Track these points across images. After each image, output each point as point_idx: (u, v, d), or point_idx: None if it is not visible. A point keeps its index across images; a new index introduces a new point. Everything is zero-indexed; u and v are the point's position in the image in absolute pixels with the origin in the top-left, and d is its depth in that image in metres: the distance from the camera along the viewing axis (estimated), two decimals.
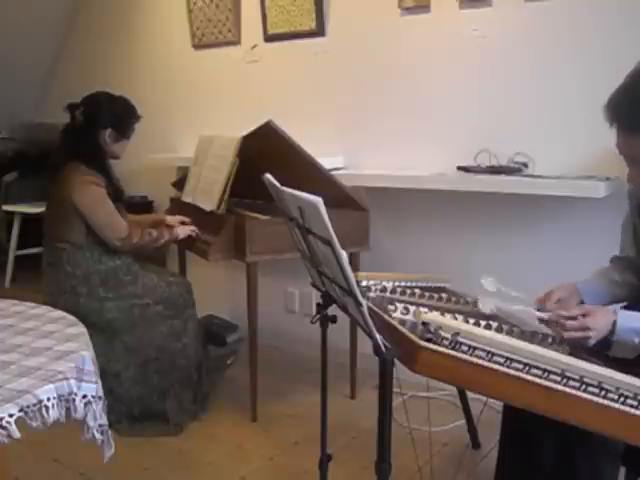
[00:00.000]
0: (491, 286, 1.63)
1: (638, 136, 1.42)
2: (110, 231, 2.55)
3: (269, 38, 3.40)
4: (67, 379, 1.29)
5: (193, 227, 2.80)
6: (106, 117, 2.60)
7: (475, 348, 1.28)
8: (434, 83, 2.87)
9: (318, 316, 1.65)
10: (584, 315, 1.47)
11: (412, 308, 1.50)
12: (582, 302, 1.69)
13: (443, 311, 1.52)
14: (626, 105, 1.42)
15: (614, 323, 1.46)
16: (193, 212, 2.87)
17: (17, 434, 1.15)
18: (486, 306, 1.64)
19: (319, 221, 1.21)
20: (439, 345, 1.27)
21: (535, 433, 1.53)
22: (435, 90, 2.87)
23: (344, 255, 1.22)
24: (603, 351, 1.53)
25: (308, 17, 3.20)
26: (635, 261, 1.74)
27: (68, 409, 1.30)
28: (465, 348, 1.28)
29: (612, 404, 1.22)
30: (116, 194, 2.63)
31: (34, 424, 1.20)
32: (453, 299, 1.77)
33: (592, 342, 1.47)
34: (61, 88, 4.67)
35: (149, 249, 2.72)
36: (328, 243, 1.23)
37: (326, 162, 2.77)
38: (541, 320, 1.56)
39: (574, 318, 1.47)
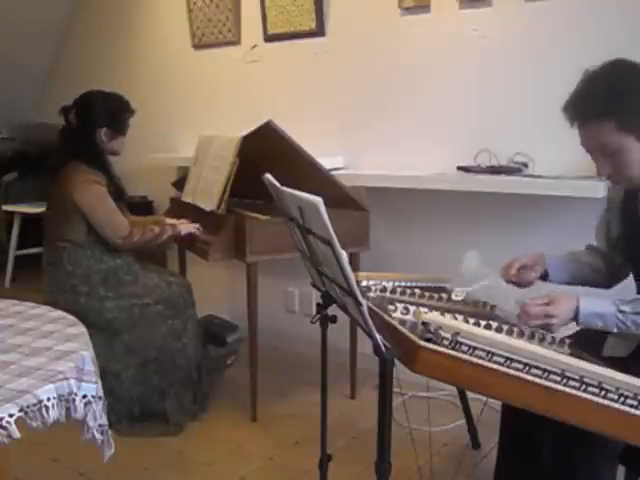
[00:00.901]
0: (473, 259, 1.70)
1: (595, 123, 1.50)
2: (111, 230, 2.55)
3: (269, 38, 3.40)
4: (67, 379, 1.29)
5: (196, 225, 2.79)
6: (100, 116, 2.59)
7: (475, 348, 1.28)
8: (434, 83, 2.87)
9: (318, 316, 1.65)
10: (547, 303, 1.54)
11: (412, 308, 1.50)
12: (546, 272, 1.78)
13: (443, 311, 1.52)
14: (580, 101, 1.52)
15: (577, 309, 1.53)
16: (193, 212, 2.87)
17: (17, 434, 1.15)
18: (459, 295, 1.72)
19: (319, 221, 1.21)
20: (439, 345, 1.27)
21: (534, 433, 1.53)
22: (435, 90, 2.87)
23: (344, 255, 1.22)
24: (597, 351, 1.56)
25: (308, 17, 3.20)
26: (606, 254, 1.83)
27: (68, 409, 1.30)
28: (465, 348, 1.28)
29: (612, 404, 1.22)
30: (117, 193, 2.63)
31: (34, 424, 1.20)
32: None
33: (556, 329, 1.54)
34: (61, 88, 4.67)
35: (151, 246, 2.72)
36: (328, 243, 1.23)
37: (326, 162, 2.77)
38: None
39: (538, 305, 1.54)
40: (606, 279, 1.83)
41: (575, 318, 1.54)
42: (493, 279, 1.71)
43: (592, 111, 1.49)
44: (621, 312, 1.52)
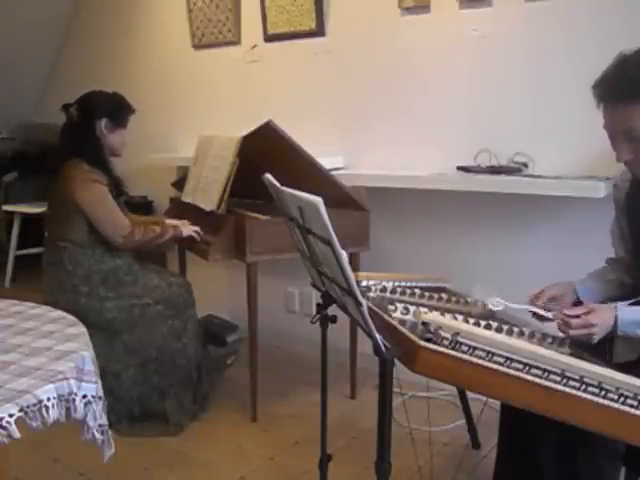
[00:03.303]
0: (498, 306, 1.67)
1: (624, 107, 1.47)
2: (112, 229, 2.55)
3: (269, 38, 3.40)
4: (67, 379, 1.29)
5: (197, 228, 2.79)
6: (100, 108, 2.60)
7: (475, 348, 1.28)
8: (434, 83, 2.87)
9: (318, 316, 1.65)
10: (587, 313, 1.51)
11: (412, 308, 1.50)
12: (578, 299, 1.73)
13: (443, 311, 1.52)
14: (611, 82, 1.48)
15: (616, 318, 1.50)
16: (193, 212, 2.87)
17: (17, 434, 1.15)
18: (494, 305, 1.67)
19: (319, 221, 1.21)
20: (439, 345, 1.27)
21: (534, 433, 1.53)
22: (435, 90, 2.87)
23: (344, 255, 1.22)
24: (605, 356, 1.55)
25: (308, 17, 3.20)
26: (626, 259, 1.79)
27: (68, 409, 1.30)
28: (465, 348, 1.28)
29: (612, 404, 1.22)
30: (118, 192, 2.63)
31: (34, 424, 1.20)
32: (453, 299, 1.77)
33: (596, 338, 1.50)
34: (61, 88, 4.66)
35: (151, 246, 2.72)
36: (328, 243, 1.23)
37: (326, 162, 2.77)
38: (545, 319, 1.61)
39: (578, 316, 1.51)
40: (633, 289, 1.75)
41: (614, 327, 1.51)
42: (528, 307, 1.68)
43: (623, 94, 1.46)
44: None
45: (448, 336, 1.30)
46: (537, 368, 1.25)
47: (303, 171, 2.53)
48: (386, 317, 1.47)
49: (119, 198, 2.63)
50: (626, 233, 1.75)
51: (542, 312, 1.64)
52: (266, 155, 2.46)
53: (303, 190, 1.29)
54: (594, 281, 1.80)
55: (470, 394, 2.30)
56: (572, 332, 1.51)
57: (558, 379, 1.24)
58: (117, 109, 2.64)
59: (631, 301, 1.58)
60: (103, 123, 2.60)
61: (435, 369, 1.26)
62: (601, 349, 1.60)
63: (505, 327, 1.49)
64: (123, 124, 2.67)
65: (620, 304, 1.55)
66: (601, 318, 1.50)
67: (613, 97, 1.48)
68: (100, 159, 2.59)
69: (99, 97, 2.64)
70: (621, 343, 1.61)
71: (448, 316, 1.46)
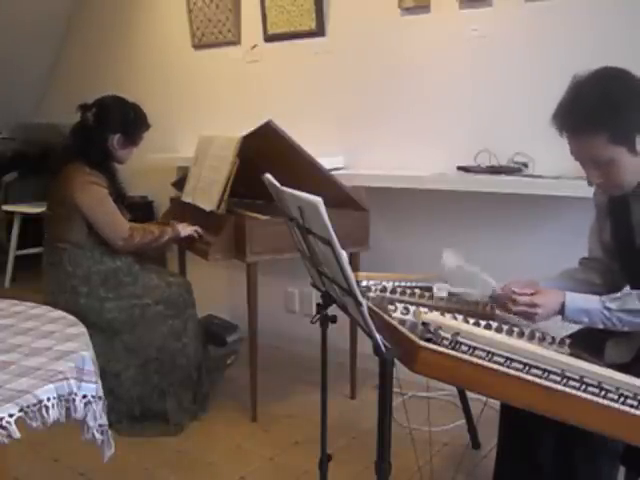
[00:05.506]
0: (451, 260, 1.70)
1: (586, 136, 1.49)
2: (111, 231, 2.55)
3: (269, 38, 3.40)
4: (67, 379, 1.29)
5: (196, 227, 2.79)
6: (117, 122, 2.58)
7: (475, 348, 1.28)
8: (434, 83, 2.87)
9: (318, 316, 1.66)
10: (534, 294, 1.55)
11: (412, 308, 1.51)
12: None
13: (443, 311, 1.52)
14: (570, 113, 1.51)
15: (563, 304, 1.54)
16: (193, 212, 2.87)
17: (17, 434, 1.15)
18: (441, 292, 1.72)
19: (319, 221, 1.21)
20: (439, 345, 1.27)
21: (534, 433, 1.53)
22: (435, 90, 2.87)
23: (344, 255, 1.22)
24: (598, 352, 1.56)
25: (308, 17, 3.20)
26: (602, 261, 1.80)
27: (68, 409, 1.30)
28: (465, 348, 1.28)
29: (612, 404, 1.22)
30: (118, 195, 2.63)
31: (34, 424, 1.20)
32: (453, 299, 1.77)
33: (539, 320, 1.55)
34: (61, 88, 4.67)
35: (151, 248, 2.72)
36: (328, 243, 1.23)
37: (326, 162, 2.77)
38: (494, 291, 1.66)
39: (525, 294, 1.55)
40: (603, 290, 1.76)
41: (561, 312, 1.55)
42: (480, 278, 1.70)
43: (583, 124, 1.47)
44: (607, 309, 1.53)
45: (448, 336, 1.30)
46: (537, 368, 1.25)
47: (303, 171, 2.53)
48: (386, 317, 1.47)
49: (120, 202, 2.62)
50: (604, 235, 1.76)
51: (493, 283, 1.66)
52: (266, 155, 2.46)
53: (303, 190, 1.29)
54: (560, 278, 1.82)
55: (470, 394, 2.30)
56: (515, 308, 1.55)
57: (558, 379, 1.24)
58: (133, 126, 2.62)
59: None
60: (116, 138, 2.59)
61: (435, 369, 1.26)
62: (601, 349, 1.61)
63: (505, 327, 1.49)
64: (135, 143, 2.66)
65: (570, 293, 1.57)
66: (546, 300, 1.54)
67: (574, 127, 1.50)
68: (104, 166, 2.58)
69: (118, 108, 2.61)
70: (613, 345, 1.61)
71: (448, 316, 1.46)
